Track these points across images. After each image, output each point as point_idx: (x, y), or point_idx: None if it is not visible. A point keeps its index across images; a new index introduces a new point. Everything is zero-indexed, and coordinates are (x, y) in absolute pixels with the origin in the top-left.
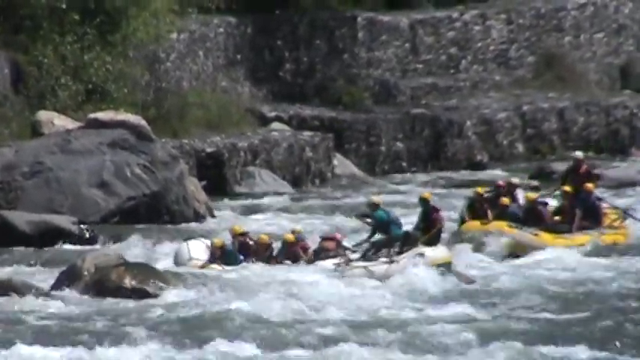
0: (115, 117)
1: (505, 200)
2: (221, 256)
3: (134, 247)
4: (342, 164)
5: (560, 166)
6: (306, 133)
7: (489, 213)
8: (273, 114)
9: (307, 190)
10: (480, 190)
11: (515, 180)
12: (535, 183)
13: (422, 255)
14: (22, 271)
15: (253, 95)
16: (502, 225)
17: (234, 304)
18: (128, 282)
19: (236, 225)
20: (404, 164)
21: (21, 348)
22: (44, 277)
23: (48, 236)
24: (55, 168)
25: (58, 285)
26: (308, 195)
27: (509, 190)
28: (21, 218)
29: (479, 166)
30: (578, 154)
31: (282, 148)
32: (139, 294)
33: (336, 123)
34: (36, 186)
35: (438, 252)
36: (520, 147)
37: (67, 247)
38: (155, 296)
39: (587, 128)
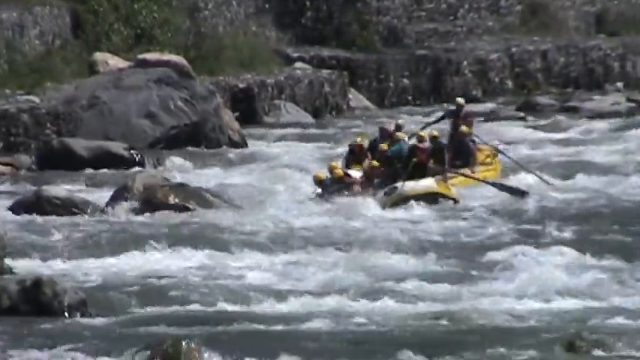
0: (160, 58)
1: (383, 146)
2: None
3: (177, 170)
4: (356, 98)
5: (544, 100)
6: (325, 71)
7: (369, 159)
8: (296, 55)
9: (326, 120)
10: (359, 139)
11: (400, 121)
12: (521, 114)
13: None
14: (81, 190)
15: (279, 38)
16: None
17: (265, 220)
18: (172, 199)
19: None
20: (409, 98)
21: (80, 254)
22: (100, 196)
23: (103, 160)
24: (108, 101)
25: (111, 202)
26: (326, 124)
27: (397, 130)
28: (80, 144)
29: (474, 100)
30: (460, 100)
31: (304, 84)
32: (181, 209)
33: (351, 62)
34: (92, 117)
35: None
36: (509, 83)
37: (119, 170)
38: (194, 211)
39: (566, 67)
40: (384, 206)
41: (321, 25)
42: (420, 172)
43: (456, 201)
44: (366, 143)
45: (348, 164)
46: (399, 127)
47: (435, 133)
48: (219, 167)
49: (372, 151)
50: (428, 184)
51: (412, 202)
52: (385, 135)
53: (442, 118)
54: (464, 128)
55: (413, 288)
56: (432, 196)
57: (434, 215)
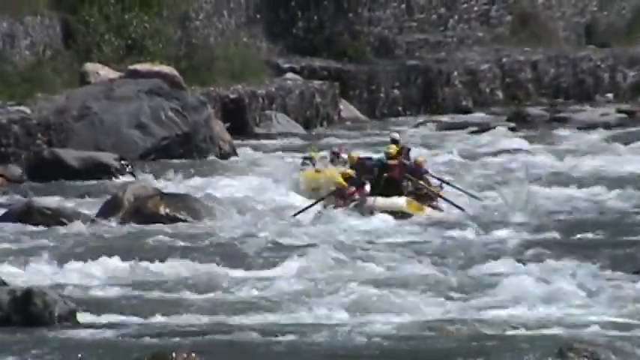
0: (151, 68)
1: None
2: None
3: (168, 180)
4: (347, 108)
5: (534, 111)
6: (316, 82)
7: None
8: (287, 65)
9: (316, 130)
10: (313, 153)
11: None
12: (512, 125)
13: None
14: (71, 200)
15: (270, 49)
16: (333, 172)
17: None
18: (162, 210)
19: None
20: (400, 108)
21: (71, 265)
22: (90, 206)
23: (93, 171)
24: (99, 112)
25: (102, 213)
26: (317, 135)
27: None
28: (70, 155)
29: (464, 110)
30: (395, 135)
31: (295, 94)
32: (172, 220)
33: (342, 73)
34: (83, 127)
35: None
36: (500, 94)
37: (110, 180)
38: (186, 222)
39: (557, 78)
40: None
41: (312, 36)
42: (393, 189)
43: None
44: (317, 156)
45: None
46: (395, 141)
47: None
48: (209, 178)
49: None
50: (398, 202)
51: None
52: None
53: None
54: (420, 158)
55: (406, 298)
56: (400, 215)
57: (424, 226)
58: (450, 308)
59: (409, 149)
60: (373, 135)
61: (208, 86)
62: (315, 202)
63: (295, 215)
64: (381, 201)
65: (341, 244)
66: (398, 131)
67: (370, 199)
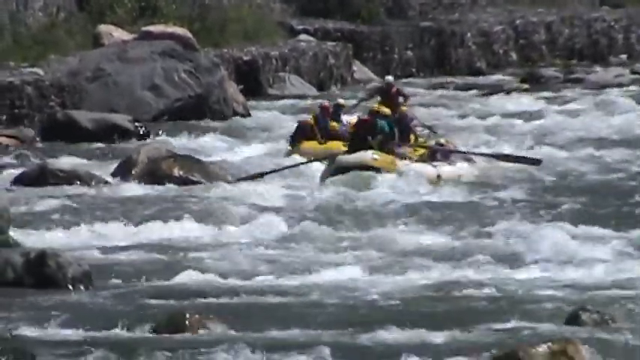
0: (164, 30)
1: (334, 125)
2: None
3: (181, 141)
4: (360, 70)
5: (548, 72)
6: (329, 43)
7: (318, 137)
8: (300, 27)
9: (330, 92)
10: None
11: (341, 101)
12: (526, 86)
13: None
14: (85, 162)
15: (283, 10)
16: (339, 145)
17: (270, 192)
18: (176, 171)
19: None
20: (413, 70)
21: (85, 227)
22: (104, 168)
23: (107, 132)
24: (113, 73)
25: (116, 174)
26: (331, 96)
27: (336, 111)
28: (84, 116)
29: (478, 72)
30: (389, 78)
31: (309, 56)
32: (185, 182)
33: (355, 34)
34: (97, 89)
35: None
36: (514, 55)
37: (124, 142)
38: (200, 184)
39: (571, 39)
40: (323, 178)
41: None
42: (360, 144)
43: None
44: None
45: (294, 142)
46: (339, 107)
47: (376, 108)
48: (223, 139)
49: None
50: (361, 156)
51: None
52: (326, 113)
53: (371, 96)
54: (403, 108)
55: (416, 259)
56: (367, 169)
57: (430, 187)
58: (462, 269)
59: (401, 94)
60: None
61: (221, 48)
62: (289, 167)
63: (263, 175)
64: (344, 157)
65: (347, 209)
66: (413, 93)
67: (339, 157)
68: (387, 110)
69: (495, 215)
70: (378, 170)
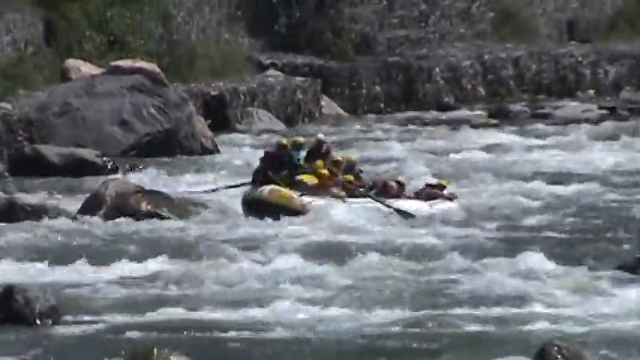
0: (133, 65)
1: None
2: None
3: (149, 177)
4: (329, 105)
5: (516, 107)
6: (298, 79)
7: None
8: (269, 62)
9: (298, 127)
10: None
11: (321, 136)
12: (494, 120)
13: None
14: (53, 197)
15: (252, 46)
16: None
17: (237, 228)
18: (144, 206)
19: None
20: (381, 105)
21: (52, 261)
22: (72, 203)
23: (75, 167)
24: (81, 108)
25: (84, 209)
26: (299, 131)
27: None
28: (52, 151)
29: (446, 107)
30: (320, 135)
31: (277, 91)
32: (153, 216)
33: (324, 70)
34: (65, 124)
35: None
36: (482, 90)
37: (92, 177)
38: (167, 219)
39: (539, 74)
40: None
41: (293, 32)
42: (266, 179)
43: (300, 213)
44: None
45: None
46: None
47: (284, 141)
48: (191, 174)
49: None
50: (260, 192)
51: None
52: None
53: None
54: (352, 158)
55: (383, 294)
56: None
57: (400, 222)
58: (430, 304)
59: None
60: (354, 132)
61: (190, 83)
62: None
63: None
64: (248, 191)
65: (323, 239)
66: (380, 128)
67: (245, 191)
68: (300, 140)
69: (461, 250)
70: (272, 205)
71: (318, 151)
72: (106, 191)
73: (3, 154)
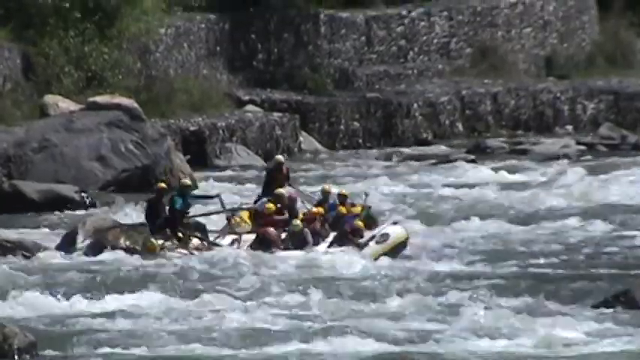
0: (111, 100)
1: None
2: None
3: (127, 212)
4: (307, 141)
5: (494, 143)
6: (276, 114)
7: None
8: (247, 98)
9: None
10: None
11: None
12: (472, 156)
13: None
14: (31, 232)
15: (230, 82)
16: None
17: (219, 262)
18: (122, 242)
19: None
20: (360, 141)
21: (31, 297)
22: (51, 238)
23: (53, 203)
24: (59, 144)
25: (62, 244)
26: None
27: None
28: (30, 187)
29: (424, 143)
30: (279, 157)
31: (255, 126)
32: (131, 252)
33: (302, 105)
34: (43, 160)
35: None
36: (460, 126)
37: (70, 212)
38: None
39: (517, 110)
40: None
41: (272, 68)
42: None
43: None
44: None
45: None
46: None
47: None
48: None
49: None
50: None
51: None
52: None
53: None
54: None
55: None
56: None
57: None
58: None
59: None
60: (332, 167)
61: (168, 118)
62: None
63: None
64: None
65: (302, 278)
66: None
67: None
68: (187, 182)
69: (434, 285)
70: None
71: (280, 172)
72: (84, 227)
73: None
